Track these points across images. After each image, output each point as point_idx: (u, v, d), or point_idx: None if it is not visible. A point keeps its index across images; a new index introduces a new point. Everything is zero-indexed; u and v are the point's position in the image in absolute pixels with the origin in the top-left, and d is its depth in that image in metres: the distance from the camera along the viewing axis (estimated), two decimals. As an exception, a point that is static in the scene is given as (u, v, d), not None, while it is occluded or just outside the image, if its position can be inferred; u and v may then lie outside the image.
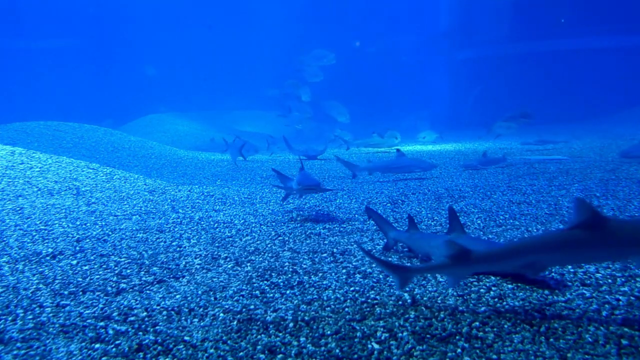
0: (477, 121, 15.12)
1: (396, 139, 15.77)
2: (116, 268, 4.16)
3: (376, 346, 2.65)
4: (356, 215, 6.01)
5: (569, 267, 3.69)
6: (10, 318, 3.15)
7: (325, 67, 18.92)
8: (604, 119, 20.82)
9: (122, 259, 4.40)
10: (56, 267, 4.20)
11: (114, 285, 3.76)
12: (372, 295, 3.31)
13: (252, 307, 3.23)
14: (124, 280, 3.86)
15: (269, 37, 29.30)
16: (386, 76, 27.68)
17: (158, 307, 3.28)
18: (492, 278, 3.51)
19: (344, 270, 3.87)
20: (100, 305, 3.35)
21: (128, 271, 4.08)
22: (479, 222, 5.34)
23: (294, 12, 29.65)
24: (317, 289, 3.51)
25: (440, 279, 3.56)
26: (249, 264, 4.17)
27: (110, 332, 2.95)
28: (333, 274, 3.81)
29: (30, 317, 3.18)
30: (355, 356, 2.57)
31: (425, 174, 9.25)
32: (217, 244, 4.87)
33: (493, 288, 3.33)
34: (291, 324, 2.95)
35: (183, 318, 3.11)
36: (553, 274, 3.58)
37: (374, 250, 4.44)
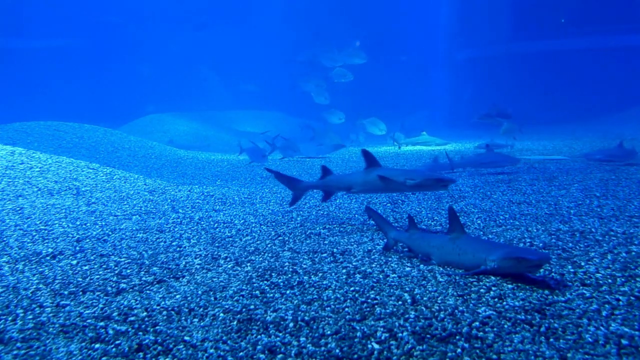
0: (477, 121, 15.08)
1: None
2: (116, 268, 4.16)
3: (376, 346, 2.65)
4: (356, 215, 6.01)
5: (569, 267, 3.69)
6: (10, 318, 3.15)
7: (356, 66, 18.75)
8: (605, 119, 20.81)
9: (122, 259, 4.40)
10: (56, 267, 4.20)
11: (114, 285, 3.76)
12: (372, 295, 3.31)
13: (252, 307, 3.23)
14: (124, 280, 3.86)
15: (266, 36, 29.29)
16: (385, 76, 27.68)
17: (158, 307, 3.28)
18: (492, 278, 3.51)
19: (344, 270, 3.87)
20: (100, 305, 3.34)
21: (128, 271, 4.08)
22: (479, 222, 5.34)
23: (293, 11, 29.64)
24: (317, 289, 3.50)
25: (441, 279, 3.56)
26: (249, 264, 4.17)
27: (110, 332, 2.95)
28: (333, 274, 3.81)
29: (30, 317, 3.18)
30: (355, 356, 2.57)
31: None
32: (217, 244, 4.87)
33: (493, 288, 3.33)
34: (291, 324, 2.95)
35: (183, 318, 3.11)
36: (553, 274, 3.59)
37: (374, 251, 4.44)
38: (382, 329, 2.81)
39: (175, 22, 30.63)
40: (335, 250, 4.48)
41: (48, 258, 4.47)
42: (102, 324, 3.06)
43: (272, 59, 28.17)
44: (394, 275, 3.70)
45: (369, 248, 4.53)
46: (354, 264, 4.04)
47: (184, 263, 4.27)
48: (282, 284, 3.65)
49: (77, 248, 4.77)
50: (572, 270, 3.63)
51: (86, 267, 4.20)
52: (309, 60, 26.79)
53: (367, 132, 16.76)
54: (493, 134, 14.29)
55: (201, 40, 29.93)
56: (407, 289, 3.39)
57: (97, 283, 3.80)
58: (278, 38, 28.65)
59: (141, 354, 2.70)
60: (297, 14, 29.24)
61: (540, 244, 4.31)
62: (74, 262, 4.35)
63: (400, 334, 2.75)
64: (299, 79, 19.58)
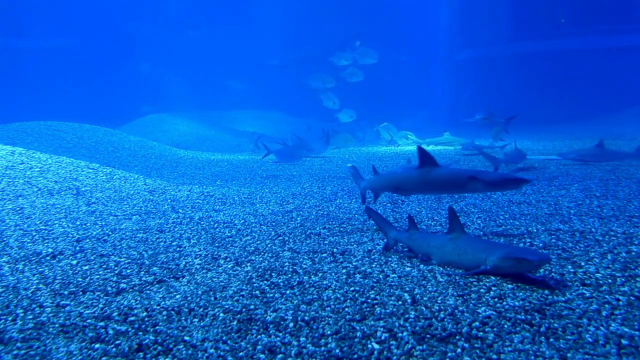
0: (479, 120, 15.05)
1: (407, 138, 15.80)
2: (116, 268, 4.16)
3: (376, 346, 2.65)
4: (356, 215, 6.01)
5: (569, 267, 3.69)
6: (10, 318, 3.15)
7: (367, 66, 18.80)
8: (606, 119, 20.82)
9: (122, 259, 4.40)
10: (56, 267, 4.20)
11: (114, 285, 3.76)
12: (372, 295, 3.31)
13: (252, 307, 3.23)
14: (124, 280, 3.86)
15: (262, 36, 29.32)
16: (386, 76, 27.69)
17: (158, 307, 3.28)
18: (492, 278, 3.51)
19: (344, 270, 3.87)
20: (100, 305, 3.34)
21: (128, 271, 4.08)
22: (479, 222, 5.34)
23: (292, 10, 29.63)
24: (317, 289, 3.51)
25: (441, 279, 3.56)
26: (249, 264, 4.17)
27: (110, 332, 2.95)
28: (333, 274, 3.81)
29: (30, 317, 3.18)
30: (355, 356, 2.58)
31: None
32: (217, 244, 4.87)
33: (493, 288, 3.33)
34: (291, 324, 2.95)
35: (183, 318, 3.11)
36: (553, 274, 3.59)
37: (374, 251, 4.44)
38: (382, 329, 2.81)
39: (173, 22, 30.63)
40: (335, 250, 4.48)
41: (48, 258, 4.47)
42: (102, 324, 3.06)
43: (261, 57, 28.40)
44: (394, 275, 3.70)
45: (369, 248, 4.53)
46: (354, 264, 4.04)
47: (184, 263, 4.27)
48: (282, 284, 3.65)
49: (77, 248, 4.77)
50: (572, 270, 3.63)
51: (86, 267, 4.20)
52: (283, 64, 27.18)
53: (381, 137, 16.82)
54: (475, 134, 14.34)
55: (194, 39, 29.97)
56: (407, 289, 3.39)
57: (97, 283, 3.80)
58: (270, 37, 28.76)
59: (141, 354, 2.70)
60: (297, 13, 29.24)
61: (540, 244, 4.31)
62: (74, 262, 4.35)
63: (400, 334, 2.75)
64: (308, 77, 19.52)
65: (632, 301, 3.05)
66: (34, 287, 3.73)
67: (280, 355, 2.62)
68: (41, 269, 4.15)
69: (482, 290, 3.31)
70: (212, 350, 2.69)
